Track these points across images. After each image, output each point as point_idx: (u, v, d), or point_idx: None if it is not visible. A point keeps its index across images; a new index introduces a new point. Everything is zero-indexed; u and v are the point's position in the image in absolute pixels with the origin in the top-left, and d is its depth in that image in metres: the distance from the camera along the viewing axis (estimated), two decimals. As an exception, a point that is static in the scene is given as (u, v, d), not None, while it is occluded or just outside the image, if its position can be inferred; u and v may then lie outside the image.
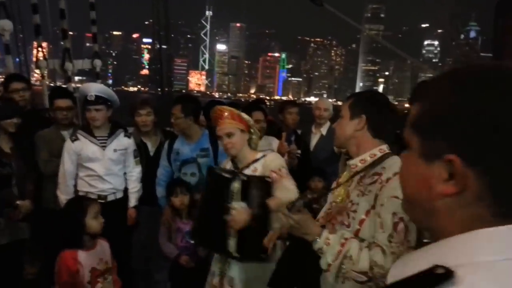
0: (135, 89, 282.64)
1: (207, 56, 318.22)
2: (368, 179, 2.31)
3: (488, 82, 0.84)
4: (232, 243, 3.26)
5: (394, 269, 0.92)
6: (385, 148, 2.40)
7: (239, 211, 3.18)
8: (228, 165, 3.59)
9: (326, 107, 5.68)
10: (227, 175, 3.35)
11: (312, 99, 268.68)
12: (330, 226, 2.46)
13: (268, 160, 3.41)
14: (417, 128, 0.91)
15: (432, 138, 0.86)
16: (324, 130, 5.62)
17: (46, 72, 7.22)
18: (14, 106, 4.42)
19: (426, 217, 0.91)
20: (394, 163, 2.28)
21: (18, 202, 4.17)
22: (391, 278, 0.89)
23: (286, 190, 3.20)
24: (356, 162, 2.41)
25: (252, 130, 3.48)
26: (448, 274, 0.77)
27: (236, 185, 3.27)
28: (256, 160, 3.44)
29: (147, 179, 4.77)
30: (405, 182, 0.97)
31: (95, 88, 4.44)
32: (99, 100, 4.33)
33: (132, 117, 4.99)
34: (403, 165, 0.97)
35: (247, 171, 3.39)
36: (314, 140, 5.66)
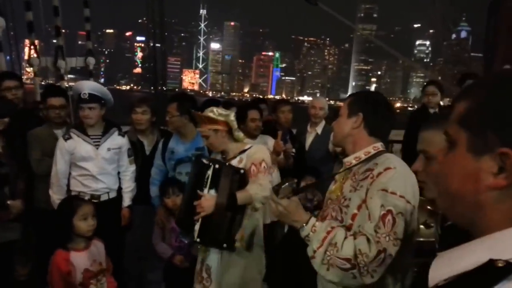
0: (128, 87, 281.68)
1: (201, 54, 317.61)
2: (361, 175, 2.35)
3: None
4: (196, 228, 3.42)
5: (437, 268, 0.90)
6: (379, 146, 2.43)
7: (206, 198, 3.36)
8: (218, 157, 3.75)
9: (322, 106, 5.69)
10: (205, 162, 3.55)
11: (305, 98, 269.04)
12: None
13: (251, 152, 3.59)
14: (466, 124, 0.92)
15: (483, 133, 0.87)
16: (319, 129, 5.63)
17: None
18: (7, 105, 4.39)
19: (470, 211, 0.91)
20: (387, 159, 2.32)
21: (9, 202, 4.11)
22: (435, 279, 0.87)
23: (258, 185, 3.37)
24: (351, 160, 2.46)
25: (230, 124, 3.60)
26: (510, 266, 0.76)
27: (209, 172, 3.46)
28: (243, 151, 3.61)
29: (143, 178, 4.74)
30: (449, 178, 0.96)
31: (88, 86, 4.39)
32: (93, 98, 4.29)
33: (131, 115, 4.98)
34: (448, 162, 0.97)
35: (234, 162, 3.57)
36: (309, 139, 5.66)
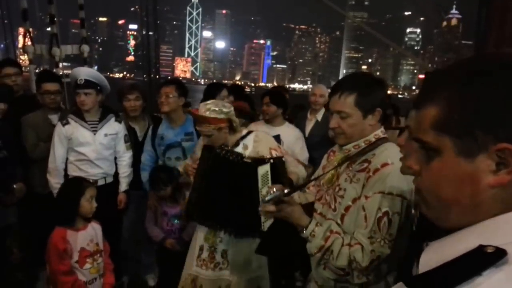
0: (121, 75, 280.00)
1: (193, 42, 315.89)
2: (358, 165, 2.34)
3: None
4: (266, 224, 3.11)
5: (427, 256, 0.89)
6: (379, 133, 2.38)
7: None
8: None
9: (322, 93, 5.73)
10: (247, 160, 3.35)
11: (296, 86, 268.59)
12: (319, 205, 2.54)
13: (261, 137, 3.55)
14: (445, 129, 0.88)
15: (469, 134, 0.84)
16: (319, 116, 5.69)
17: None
18: (6, 90, 4.42)
19: (466, 213, 0.88)
20: (385, 150, 2.31)
21: (14, 185, 4.19)
22: (425, 266, 0.85)
23: (295, 164, 3.37)
24: (350, 147, 2.39)
25: (231, 119, 3.51)
26: (499, 252, 0.75)
27: (265, 169, 3.14)
28: (243, 137, 3.55)
29: (137, 164, 4.81)
30: (441, 186, 0.91)
31: (84, 72, 4.44)
32: (89, 84, 4.34)
33: (120, 102, 5.00)
34: (434, 171, 0.92)
35: (238, 149, 3.49)
36: (309, 126, 5.69)
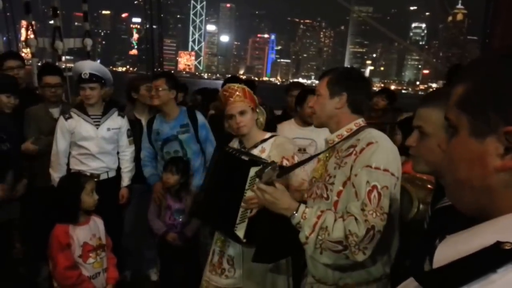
0: (124, 69, 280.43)
1: (196, 36, 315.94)
2: (344, 152, 2.38)
3: None
4: (241, 228, 3.08)
5: (442, 250, 0.86)
6: (360, 122, 2.47)
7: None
8: (235, 145, 3.47)
9: None
10: (245, 158, 3.08)
11: (300, 80, 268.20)
12: (311, 201, 2.54)
13: (278, 142, 3.32)
14: (465, 107, 0.88)
15: (484, 114, 0.84)
16: None
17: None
18: (12, 80, 4.38)
19: (479, 197, 0.87)
20: (369, 133, 2.36)
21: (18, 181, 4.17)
22: (439, 261, 0.83)
23: (300, 179, 3.16)
24: (333, 138, 2.48)
25: (258, 110, 3.42)
26: None
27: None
28: (264, 140, 3.35)
29: (139, 157, 4.76)
30: (456, 165, 0.91)
31: (89, 66, 4.41)
32: (93, 78, 4.32)
33: (132, 93, 4.99)
34: (451, 150, 0.93)
35: (255, 151, 3.29)
36: None
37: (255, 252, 2.84)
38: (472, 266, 0.75)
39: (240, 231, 3.07)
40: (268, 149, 3.29)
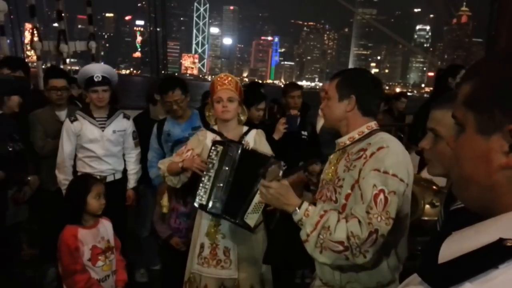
0: (127, 71, 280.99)
1: (200, 39, 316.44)
2: (354, 155, 2.34)
3: None
4: (253, 217, 3.15)
5: (447, 247, 0.86)
6: (373, 125, 2.43)
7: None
8: (211, 137, 3.49)
9: None
10: (261, 152, 3.26)
11: (304, 83, 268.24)
12: (320, 203, 2.50)
13: (259, 133, 3.54)
14: (472, 105, 0.89)
15: (490, 112, 0.85)
16: None
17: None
18: (19, 83, 4.40)
19: (484, 194, 0.89)
20: (381, 138, 2.32)
21: (29, 177, 4.18)
22: (444, 258, 0.83)
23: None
24: (345, 140, 2.46)
25: (242, 107, 3.52)
26: None
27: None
28: (245, 134, 3.50)
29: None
30: (462, 162, 0.93)
31: (100, 69, 4.44)
32: (105, 80, 4.36)
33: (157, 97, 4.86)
34: (458, 147, 0.94)
35: None
36: (320, 123, 5.58)
37: (264, 254, 2.85)
38: (474, 262, 0.76)
39: (251, 220, 3.14)
40: (252, 142, 3.45)
